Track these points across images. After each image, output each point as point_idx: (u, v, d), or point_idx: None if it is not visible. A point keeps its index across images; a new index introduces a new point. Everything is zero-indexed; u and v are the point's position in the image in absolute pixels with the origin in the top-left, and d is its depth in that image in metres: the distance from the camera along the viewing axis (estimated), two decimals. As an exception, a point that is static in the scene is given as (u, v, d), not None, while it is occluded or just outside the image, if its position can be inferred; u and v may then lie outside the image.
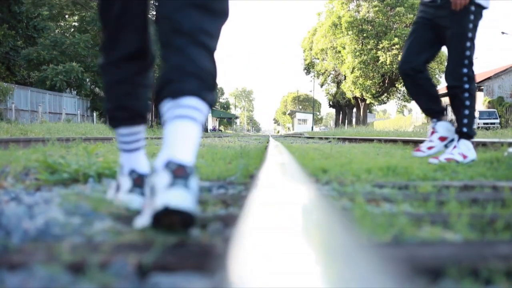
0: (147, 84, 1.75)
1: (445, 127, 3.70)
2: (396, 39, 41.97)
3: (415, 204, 1.69)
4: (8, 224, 1.16)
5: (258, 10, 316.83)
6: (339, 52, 47.21)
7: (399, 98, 48.66)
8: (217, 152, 4.72)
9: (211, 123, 70.49)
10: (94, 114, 31.82)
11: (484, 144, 5.12)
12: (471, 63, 3.55)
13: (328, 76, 55.64)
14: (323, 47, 48.98)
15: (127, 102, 1.70)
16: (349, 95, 48.11)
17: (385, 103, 49.98)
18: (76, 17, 34.96)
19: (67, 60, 29.87)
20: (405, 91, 46.26)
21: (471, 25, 3.53)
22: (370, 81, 44.37)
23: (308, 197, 1.05)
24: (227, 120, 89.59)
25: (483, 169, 2.75)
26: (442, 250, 0.98)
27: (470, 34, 3.53)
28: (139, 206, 1.53)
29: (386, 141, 9.07)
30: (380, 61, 43.25)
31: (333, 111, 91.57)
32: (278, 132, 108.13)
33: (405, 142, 7.90)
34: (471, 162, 3.46)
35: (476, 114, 34.31)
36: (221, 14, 1.53)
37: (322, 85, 57.21)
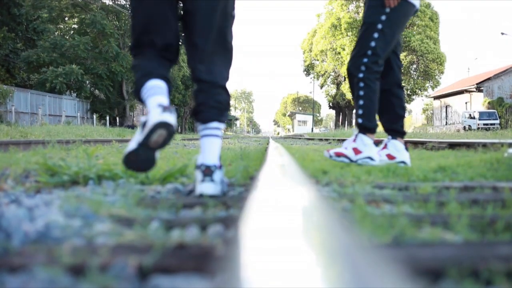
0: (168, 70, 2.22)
1: (395, 147, 3.52)
2: (395, 40, 41.98)
3: (415, 205, 1.69)
4: (9, 226, 1.16)
5: (258, 12, 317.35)
6: (339, 53, 47.22)
7: (399, 99, 48.59)
8: (217, 154, 4.71)
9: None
10: (94, 116, 31.82)
11: (484, 145, 5.12)
12: (374, 55, 3.34)
13: (328, 77, 55.61)
14: (323, 48, 49.00)
15: (157, 68, 2.11)
16: (349, 96, 48.08)
17: (385, 104, 49.94)
18: (75, 20, 34.95)
19: (67, 62, 29.90)
20: (405, 92, 46.29)
21: (383, 17, 3.34)
22: (370, 82, 44.35)
23: (308, 199, 1.05)
24: (227, 121, 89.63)
25: (483, 170, 2.74)
26: (442, 251, 0.98)
27: (380, 26, 3.34)
28: (173, 121, 1.91)
29: (386, 142, 9.05)
30: (379, 62, 43.25)
31: (333, 112, 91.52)
32: (278, 133, 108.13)
33: (405, 143, 7.89)
34: (367, 160, 3.22)
35: (476, 115, 34.39)
36: (231, 59, 2.29)
37: (322, 87, 57.21)
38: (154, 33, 2.11)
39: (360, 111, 3.33)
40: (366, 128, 3.31)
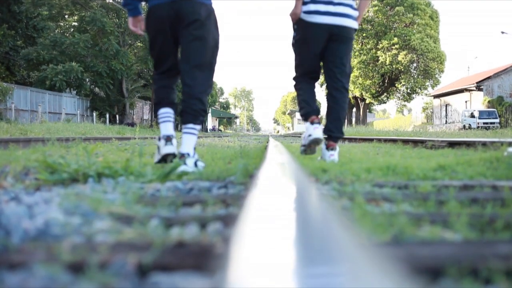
0: (175, 89, 3.43)
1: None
2: (395, 39, 41.94)
3: (414, 204, 1.69)
4: (8, 224, 1.16)
5: (258, 9, 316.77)
6: (339, 51, 47.06)
7: (399, 97, 48.57)
8: (217, 152, 4.72)
9: (211, 123, 70.53)
10: (94, 114, 31.78)
11: (484, 144, 5.12)
12: (296, 71, 4.10)
13: (328, 76, 55.42)
14: (323, 46, 48.91)
15: (168, 96, 3.33)
16: (348, 94, 48.01)
17: (384, 102, 49.93)
18: (75, 17, 34.80)
19: (67, 60, 29.81)
20: (405, 90, 46.31)
21: (294, 33, 4.00)
22: (370, 81, 44.34)
23: (308, 197, 1.05)
24: (226, 120, 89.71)
25: (482, 169, 2.74)
26: (441, 249, 0.98)
27: (293, 41, 4.03)
28: (173, 150, 3.15)
29: (385, 140, 9.07)
30: (379, 61, 43.22)
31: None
32: (278, 132, 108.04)
33: (405, 141, 7.90)
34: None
35: (476, 114, 34.42)
36: (212, 78, 3.32)
37: (322, 85, 57.11)
38: (163, 60, 3.31)
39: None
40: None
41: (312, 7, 3.79)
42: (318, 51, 3.89)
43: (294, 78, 4.15)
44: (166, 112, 3.25)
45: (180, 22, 3.13)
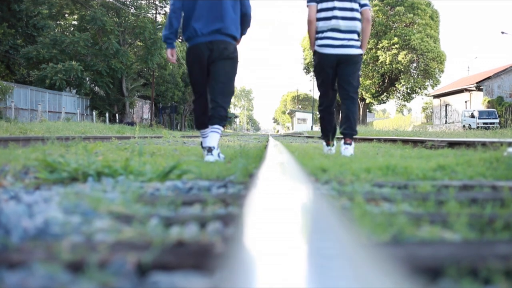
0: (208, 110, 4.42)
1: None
2: (396, 39, 41.93)
3: (414, 204, 1.69)
4: (8, 222, 1.16)
5: (258, 9, 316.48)
6: (339, 51, 47.04)
7: (399, 97, 48.56)
8: (217, 151, 4.71)
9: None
10: (94, 113, 31.76)
11: (483, 144, 5.12)
12: (319, 103, 5.40)
13: (328, 75, 55.35)
14: (323, 46, 48.86)
15: (205, 121, 4.39)
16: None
17: (384, 102, 49.92)
18: (75, 16, 34.78)
19: (67, 59, 29.77)
20: (405, 90, 46.30)
21: (314, 63, 5.25)
22: (370, 81, 44.34)
23: (307, 197, 1.05)
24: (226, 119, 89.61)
25: (482, 169, 2.74)
26: (441, 249, 0.98)
27: (314, 65, 5.27)
28: (213, 160, 3.89)
29: (385, 140, 9.07)
30: (379, 61, 43.20)
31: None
32: (278, 131, 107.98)
33: (405, 141, 7.90)
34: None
35: (476, 114, 34.47)
36: (232, 94, 4.55)
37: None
38: (197, 87, 4.45)
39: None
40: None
41: (322, 41, 5.03)
42: (330, 76, 5.10)
43: (319, 111, 5.44)
44: (205, 131, 4.37)
45: (214, 56, 4.28)
